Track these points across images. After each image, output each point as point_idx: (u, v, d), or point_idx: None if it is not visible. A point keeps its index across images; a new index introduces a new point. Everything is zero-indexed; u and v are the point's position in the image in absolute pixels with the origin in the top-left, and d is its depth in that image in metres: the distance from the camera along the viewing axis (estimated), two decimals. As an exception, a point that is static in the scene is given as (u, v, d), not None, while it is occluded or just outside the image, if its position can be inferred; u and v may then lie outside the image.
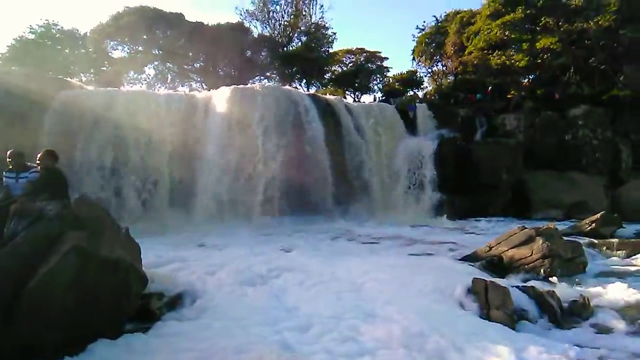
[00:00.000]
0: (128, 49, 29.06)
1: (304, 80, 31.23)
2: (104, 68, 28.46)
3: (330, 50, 31.63)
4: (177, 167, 14.93)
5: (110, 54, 28.93)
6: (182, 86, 29.04)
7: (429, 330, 4.82)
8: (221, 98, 15.97)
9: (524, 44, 23.05)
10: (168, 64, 29.75)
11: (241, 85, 17.57)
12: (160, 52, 29.04)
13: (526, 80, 25.60)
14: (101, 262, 4.44)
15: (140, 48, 28.78)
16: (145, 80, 29.87)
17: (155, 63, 29.64)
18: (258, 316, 5.18)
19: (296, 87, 26.14)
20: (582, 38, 22.50)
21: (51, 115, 14.10)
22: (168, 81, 29.98)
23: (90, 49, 27.74)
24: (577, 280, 7.47)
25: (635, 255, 9.62)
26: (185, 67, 30.06)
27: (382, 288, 6.38)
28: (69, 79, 18.84)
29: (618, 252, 9.86)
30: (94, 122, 14.25)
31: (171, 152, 14.86)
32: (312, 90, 28.75)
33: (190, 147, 15.23)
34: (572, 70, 22.95)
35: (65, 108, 14.28)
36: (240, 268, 7.11)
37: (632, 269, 8.80)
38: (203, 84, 29.06)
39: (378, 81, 31.85)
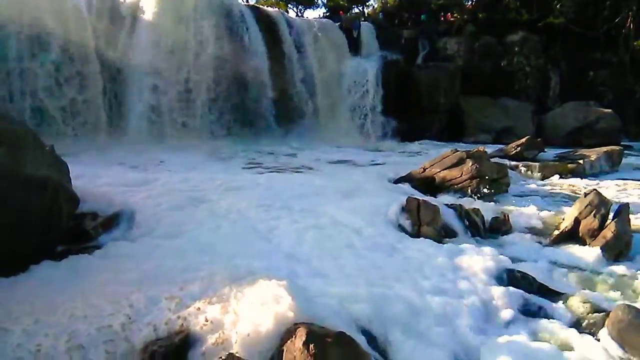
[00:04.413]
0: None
1: (243, -10, 29.08)
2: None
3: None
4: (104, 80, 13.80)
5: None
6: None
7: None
8: (150, 5, 14.57)
9: (470, -36, 22.70)
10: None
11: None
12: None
13: (469, 3, 25.54)
14: (26, 181, 4.14)
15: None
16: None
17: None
18: (205, 236, 5.14)
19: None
20: (525, -38, 22.48)
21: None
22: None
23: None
24: (500, 199, 8.11)
25: (552, 176, 10.58)
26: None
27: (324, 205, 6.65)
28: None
29: (538, 173, 10.76)
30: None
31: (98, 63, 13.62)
32: (252, 1, 26.97)
33: (118, 58, 14.04)
34: (513, -5, 23.10)
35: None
36: (178, 188, 6.96)
37: (548, 188, 9.69)
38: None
39: (322, -5, 30.34)
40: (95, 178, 6.90)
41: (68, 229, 4.83)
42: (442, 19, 23.30)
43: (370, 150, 15.15)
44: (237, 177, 8.58)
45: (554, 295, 4.30)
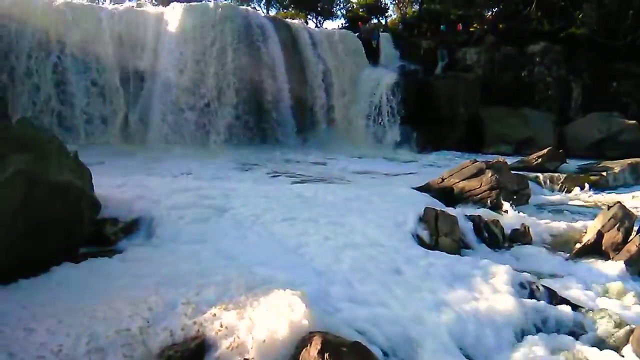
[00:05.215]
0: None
1: (263, 0, 29.59)
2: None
3: (291, -32, 29.78)
4: (127, 90, 14.16)
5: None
6: (129, 0, 26.61)
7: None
8: (173, 17, 14.94)
9: (489, -25, 22.61)
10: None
11: (194, 2, 16.38)
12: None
13: (489, 14, 25.39)
14: (50, 186, 4.25)
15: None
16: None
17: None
18: (227, 245, 5.08)
19: (254, 8, 24.72)
20: (546, -29, 22.30)
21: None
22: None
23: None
24: (520, 210, 7.96)
25: (574, 188, 10.36)
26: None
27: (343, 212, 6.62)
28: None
29: (559, 185, 10.55)
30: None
31: (120, 73, 13.98)
32: (272, 12, 27.38)
33: (141, 69, 14.39)
34: (533, 5, 22.86)
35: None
36: (201, 195, 6.98)
37: (570, 201, 9.50)
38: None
39: (342, 6, 30.61)
40: (117, 185, 7.00)
41: (89, 234, 4.93)
42: (459, 29, 23.15)
43: (390, 161, 15.09)
44: (263, 186, 8.41)
45: (576, 309, 4.19)
